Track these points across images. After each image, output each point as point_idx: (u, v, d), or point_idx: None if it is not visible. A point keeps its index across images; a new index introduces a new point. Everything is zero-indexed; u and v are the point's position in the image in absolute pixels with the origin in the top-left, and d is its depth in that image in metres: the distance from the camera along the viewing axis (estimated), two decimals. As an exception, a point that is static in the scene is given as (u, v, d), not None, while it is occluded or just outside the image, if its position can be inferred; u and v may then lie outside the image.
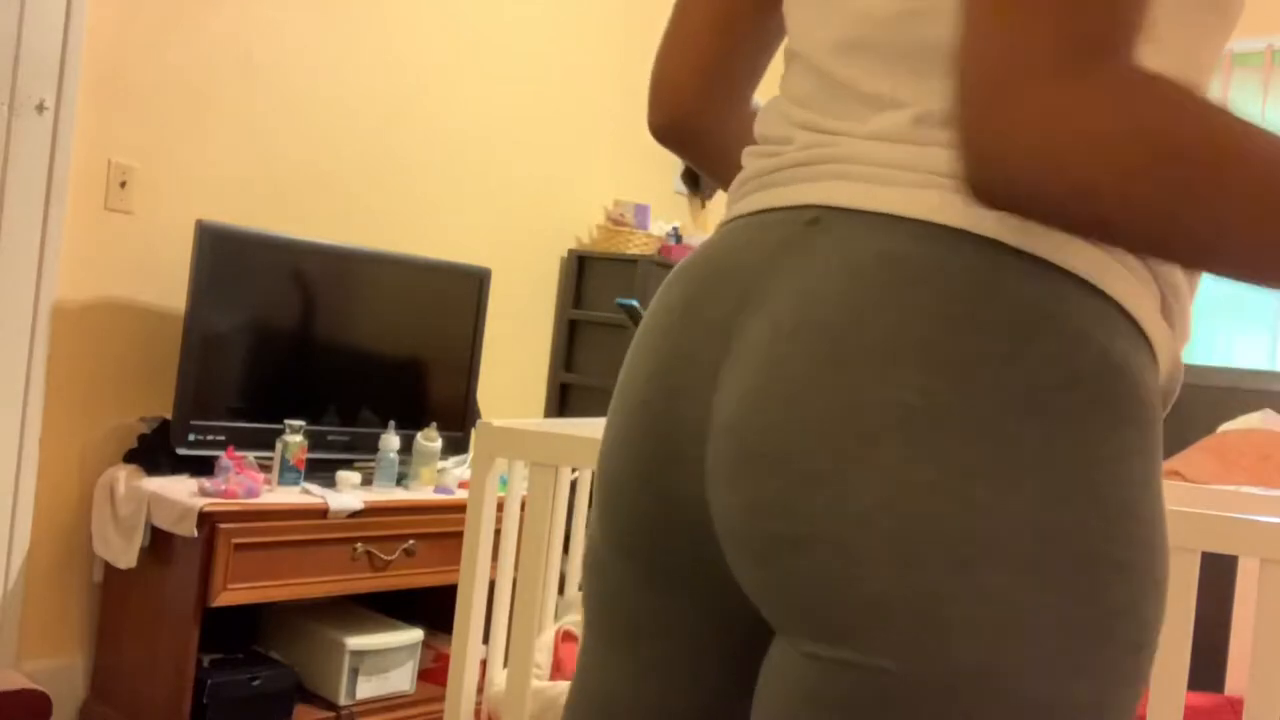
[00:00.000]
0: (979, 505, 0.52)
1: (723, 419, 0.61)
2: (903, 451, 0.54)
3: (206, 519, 2.21)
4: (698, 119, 0.87)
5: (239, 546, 2.25)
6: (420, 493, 2.66)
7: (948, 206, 0.57)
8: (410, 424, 2.82)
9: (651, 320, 0.70)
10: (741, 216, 0.69)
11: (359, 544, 2.47)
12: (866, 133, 0.62)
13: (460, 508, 2.67)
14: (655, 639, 0.70)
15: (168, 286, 2.63)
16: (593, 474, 2.11)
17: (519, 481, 1.67)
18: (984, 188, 0.50)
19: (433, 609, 2.79)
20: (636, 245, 3.58)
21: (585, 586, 0.77)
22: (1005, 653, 0.52)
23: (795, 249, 0.62)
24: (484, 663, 1.69)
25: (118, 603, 2.46)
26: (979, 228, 0.57)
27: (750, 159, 0.72)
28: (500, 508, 1.82)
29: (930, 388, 0.54)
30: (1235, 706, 1.72)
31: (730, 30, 0.84)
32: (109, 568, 2.48)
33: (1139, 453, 0.55)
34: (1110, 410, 0.55)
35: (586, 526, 1.87)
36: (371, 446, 2.73)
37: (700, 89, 0.86)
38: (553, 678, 1.73)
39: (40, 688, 2.02)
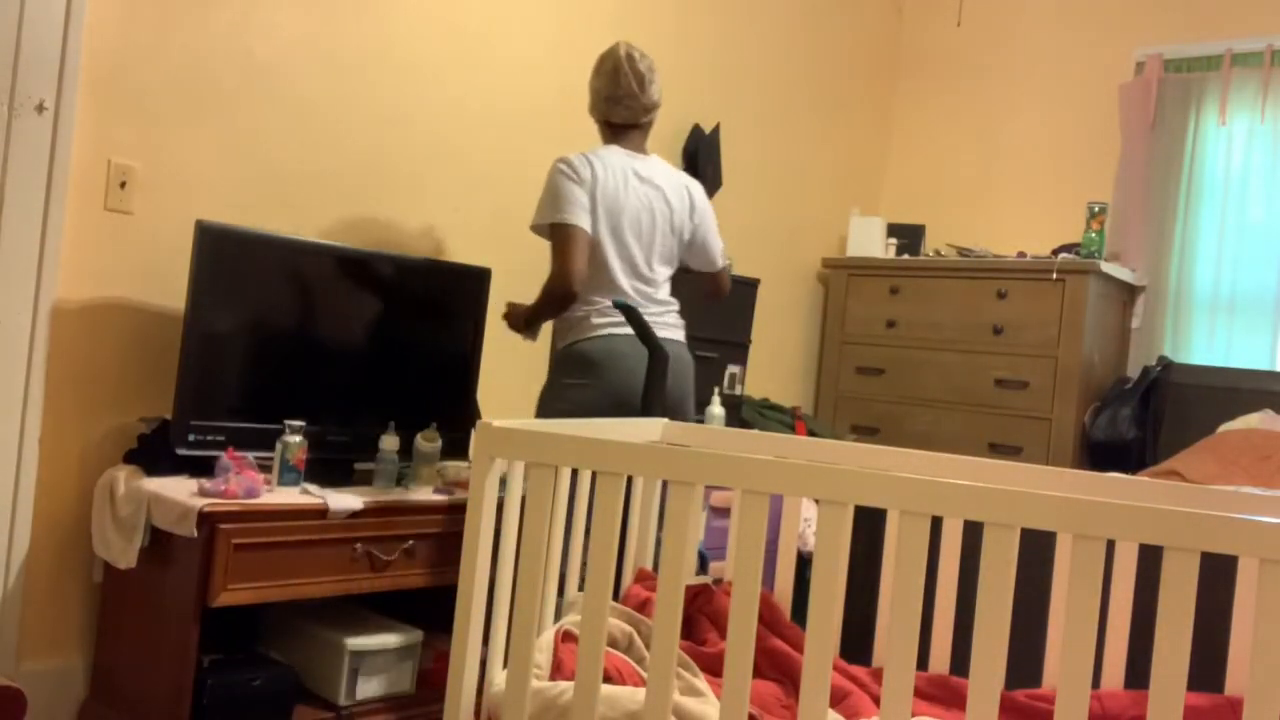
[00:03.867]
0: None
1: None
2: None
3: (206, 519, 2.21)
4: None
5: (239, 547, 2.25)
6: (420, 493, 2.66)
7: None
8: (410, 424, 2.82)
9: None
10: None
11: (359, 544, 2.47)
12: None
13: (460, 508, 2.67)
14: None
15: (168, 286, 2.64)
16: (592, 472, 2.12)
17: (518, 481, 1.67)
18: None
19: (433, 609, 2.79)
20: (636, 245, 3.58)
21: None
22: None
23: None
24: (484, 663, 1.69)
25: (117, 603, 2.46)
26: None
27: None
28: (500, 508, 1.82)
29: None
30: (1235, 706, 1.72)
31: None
32: (109, 568, 2.48)
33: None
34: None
35: (589, 511, 1.86)
36: (371, 447, 2.73)
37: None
38: (552, 678, 1.73)
39: (16, 685, 2.01)
